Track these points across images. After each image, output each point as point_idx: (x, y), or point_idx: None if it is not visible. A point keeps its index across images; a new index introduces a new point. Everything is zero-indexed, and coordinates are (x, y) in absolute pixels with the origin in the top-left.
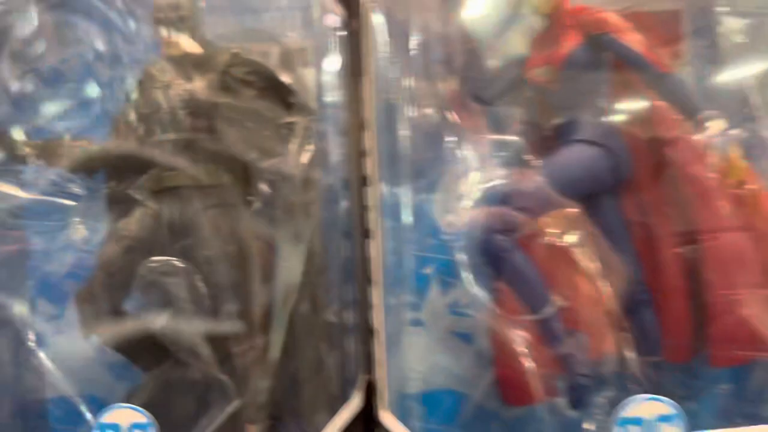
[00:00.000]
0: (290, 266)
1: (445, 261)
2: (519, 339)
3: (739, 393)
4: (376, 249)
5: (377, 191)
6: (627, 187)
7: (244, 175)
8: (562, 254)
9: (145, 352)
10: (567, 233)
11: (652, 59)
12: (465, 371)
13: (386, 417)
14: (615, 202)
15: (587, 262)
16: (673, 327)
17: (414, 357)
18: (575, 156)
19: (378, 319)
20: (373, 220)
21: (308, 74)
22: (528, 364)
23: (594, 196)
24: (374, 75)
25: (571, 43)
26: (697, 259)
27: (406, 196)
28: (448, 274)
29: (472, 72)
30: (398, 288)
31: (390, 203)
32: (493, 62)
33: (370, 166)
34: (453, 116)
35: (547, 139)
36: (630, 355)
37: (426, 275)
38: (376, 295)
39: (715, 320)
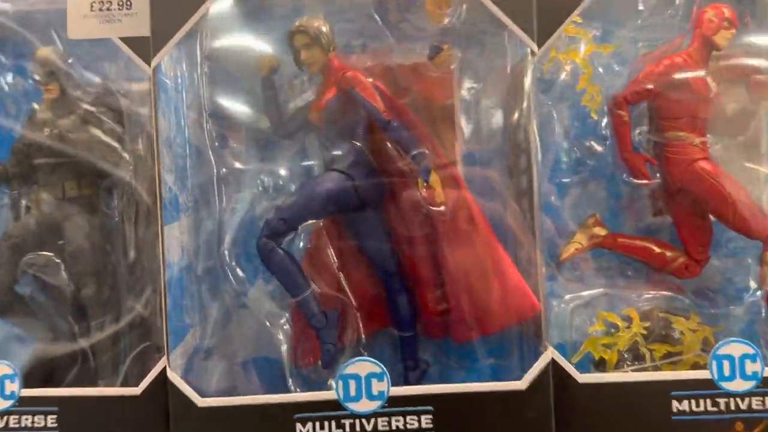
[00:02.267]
0: None
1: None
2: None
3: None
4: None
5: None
6: (384, 202)
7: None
8: (320, 253)
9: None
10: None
11: (380, 108)
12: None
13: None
14: (375, 213)
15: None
16: (424, 310)
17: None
18: (324, 180)
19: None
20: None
21: None
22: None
23: (355, 207)
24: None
25: (329, 95)
26: (436, 255)
27: None
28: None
29: (272, 115)
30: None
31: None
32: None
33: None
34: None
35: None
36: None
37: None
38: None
39: (450, 301)
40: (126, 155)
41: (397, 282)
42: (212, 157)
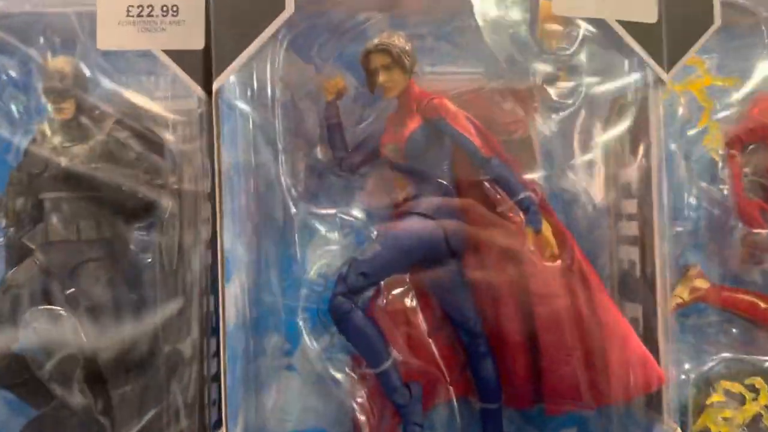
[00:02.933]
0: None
1: (315, 310)
2: (360, 392)
3: None
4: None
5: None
6: (468, 252)
7: (124, 229)
8: (403, 313)
9: (31, 390)
10: (407, 296)
11: (477, 143)
12: (334, 413)
13: None
14: (457, 265)
15: (422, 319)
16: (511, 378)
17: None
18: (408, 227)
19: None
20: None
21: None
22: (361, 417)
23: (436, 259)
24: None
25: (412, 126)
26: (532, 318)
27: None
28: (320, 322)
29: (336, 145)
30: (267, 335)
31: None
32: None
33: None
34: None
35: (396, 211)
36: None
37: (298, 323)
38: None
39: (546, 375)
40: (166, 193)
41: (482, 344)
42: (287, 199)
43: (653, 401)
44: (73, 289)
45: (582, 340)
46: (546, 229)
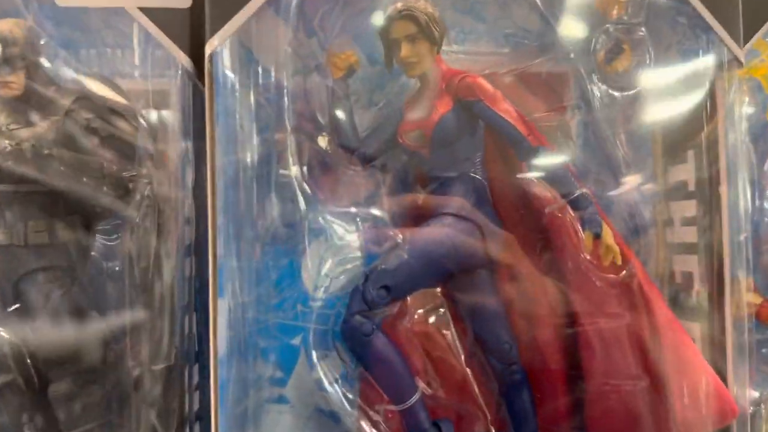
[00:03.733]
0: None
1: (322, 331)
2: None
3: None
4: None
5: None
6: (502, 263)
7: (84, 232)
8: (429, 335)
9: None
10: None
11: (523, 131)
12: None
13: None
14: (490, 278)
15: (454, 342)
16: (549, 409)
17: None
18: (440, 230)
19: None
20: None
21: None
22: None
23: (466, 271)
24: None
25: (442, 109)
26: (576, 342)
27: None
28: (319, 344)
29: (344, 131)
30: (256, 361)
31: (248, 268)
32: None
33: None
34: (310, 184)
35: (419, 210)
36: None
37: (293, 346)
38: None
39: (591, 407)
40: (137, 189)
41: (518, 372)
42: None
43: None
44: (17, 306)
45: (641, 367)
46: (607, 233)
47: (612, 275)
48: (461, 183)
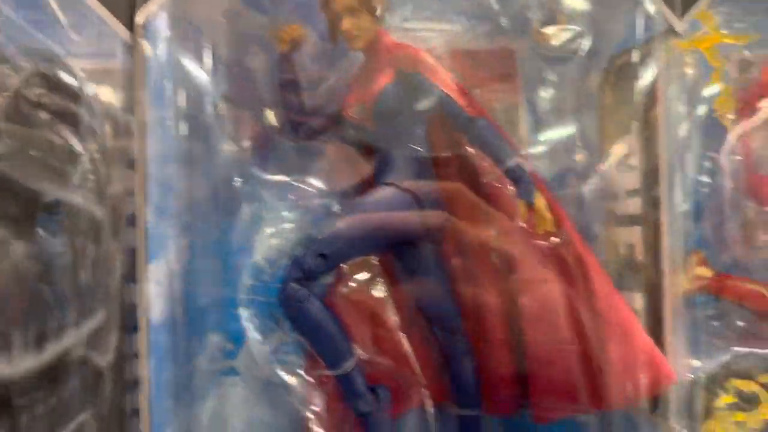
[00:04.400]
0: None
1: (265, 303)
2: (316, 399)
3: None
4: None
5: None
6: (446, 234)
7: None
8: (368, 305)
9: None
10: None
11: (461, 103)
12: (285, 424)
13: None
14: (434, 248)
15: (393, 313)
16: (493, 379)
17: (228, 410)
18: (377, 199)
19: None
20: (140, 260)
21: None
22: (318, 430)
23: (409, 242)
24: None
25: (383, 81)
26: (518, 311)
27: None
28: (270, 316)
29: (291, 106)
30: (205, 333)
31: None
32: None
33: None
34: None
35: (364, 182)
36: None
37: (242, 318)
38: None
39: (532, 375)
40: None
41: (460, 341)
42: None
43: (659, 404)
44: None
45: (577, 334)
46: (540, 202)
47: (546, 243)
48: (404, 155)
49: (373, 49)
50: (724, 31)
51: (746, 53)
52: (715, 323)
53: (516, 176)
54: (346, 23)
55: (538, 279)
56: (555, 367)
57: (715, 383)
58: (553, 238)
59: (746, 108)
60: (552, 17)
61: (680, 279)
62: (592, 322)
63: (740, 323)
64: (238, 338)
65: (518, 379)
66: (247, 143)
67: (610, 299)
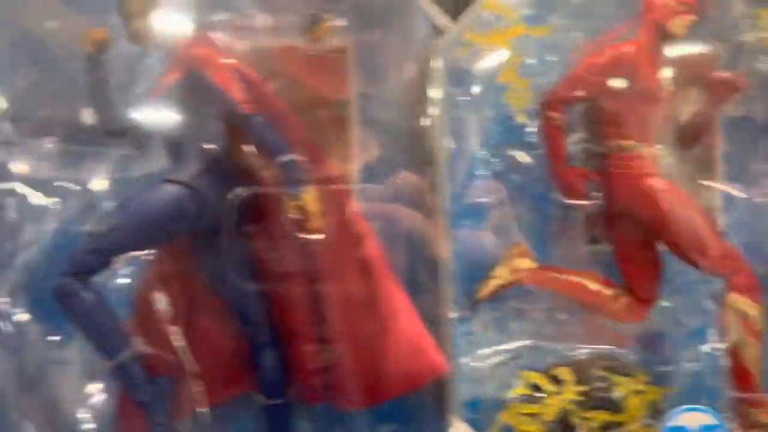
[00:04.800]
0: None
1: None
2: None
3: None
4: None
5: None
6: (245, 225)
7: None
8: (151, 294)
9: None
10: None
11: (236, 98)
12: None
13: None
14: (233, 241)
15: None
16: (298, 370)
17: None
18: (155, 196)
19: None
20: None
21: None
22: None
23: (205, 232)
24: None
25: (169, 79)
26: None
27: None
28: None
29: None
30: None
31: None
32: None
33: None
34: None
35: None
36: None
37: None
38: None
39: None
40: None
41: (264, 333)
42: None
43: (441, 396)
44: None
45: (352, 327)
46: (308, 197)
47: (314, 237)
48: (194, 152)
49: (172, 50)
50: (525, 25)
51: None
52: (511, 315)
53: (285, 171)
54: (136, 24)
55: (319, 274)
56: (351, 358)
57: (507, 375)
58: (322, 235)
59: (554, 102)
60: (318, 16)
61: (500, 271)
62: (365, 316)
63: (539, 316)
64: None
65: (322, 370)
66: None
67: (386, 289)
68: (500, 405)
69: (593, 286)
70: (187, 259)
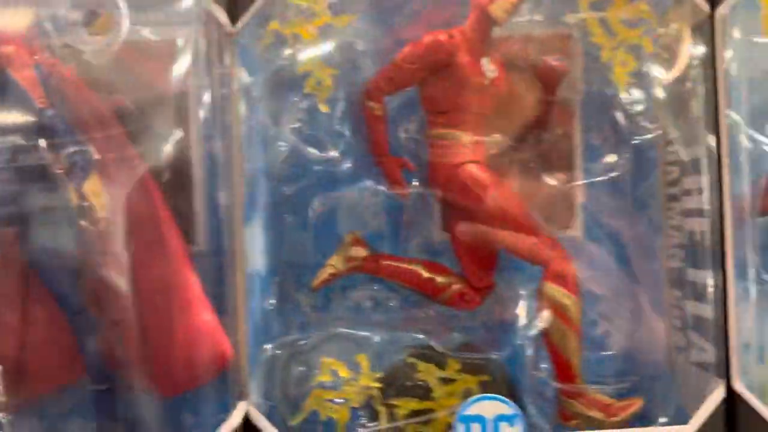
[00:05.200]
0: None
1: None
2: None
3: None
4: None
5: None
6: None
7: None
8: None
9: None
10: None
11: (33, 94)
12: None
13: None
14: (51, 229)
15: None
16: (116, 356)
17: None
18: None
19: None
20: None
21: None
22: None
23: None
24: None
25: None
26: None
27: None
28: None
29: None
30: None
31: None
32: None
33: None
34: None
35: None
36: None
37: None
38: None
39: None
40: None
41: (83, 320)
42: None
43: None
44: None
45: (145, 315)
46: (92, 187)
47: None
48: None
49: None
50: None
51: None
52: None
53: (69, 162)
54: None
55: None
56: (146, 345)
57: (311, 362)
58: (102, 222)
59: (373, 91)
60: (94, 13)
61: (335, 259)
62: (160, 301)
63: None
64: None
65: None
66: None
67: (178, 275)
68: (305, 392)
69: (426, 273)
70: (12, 247)
